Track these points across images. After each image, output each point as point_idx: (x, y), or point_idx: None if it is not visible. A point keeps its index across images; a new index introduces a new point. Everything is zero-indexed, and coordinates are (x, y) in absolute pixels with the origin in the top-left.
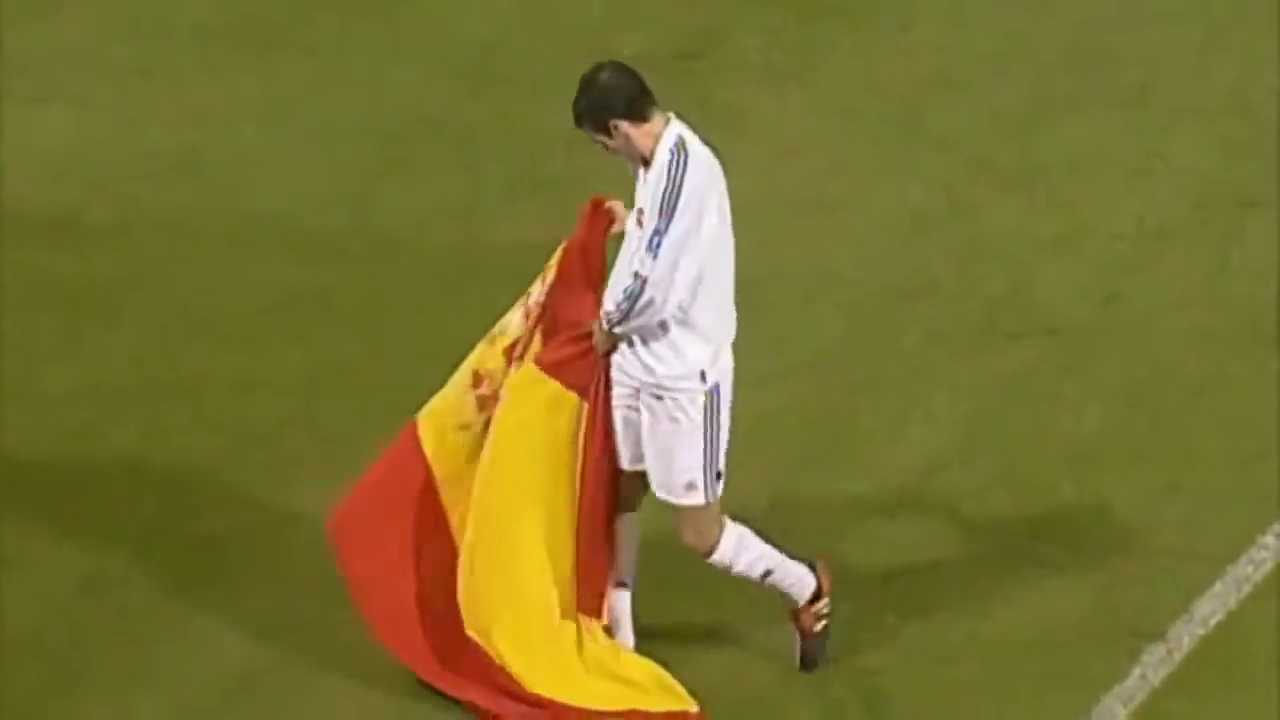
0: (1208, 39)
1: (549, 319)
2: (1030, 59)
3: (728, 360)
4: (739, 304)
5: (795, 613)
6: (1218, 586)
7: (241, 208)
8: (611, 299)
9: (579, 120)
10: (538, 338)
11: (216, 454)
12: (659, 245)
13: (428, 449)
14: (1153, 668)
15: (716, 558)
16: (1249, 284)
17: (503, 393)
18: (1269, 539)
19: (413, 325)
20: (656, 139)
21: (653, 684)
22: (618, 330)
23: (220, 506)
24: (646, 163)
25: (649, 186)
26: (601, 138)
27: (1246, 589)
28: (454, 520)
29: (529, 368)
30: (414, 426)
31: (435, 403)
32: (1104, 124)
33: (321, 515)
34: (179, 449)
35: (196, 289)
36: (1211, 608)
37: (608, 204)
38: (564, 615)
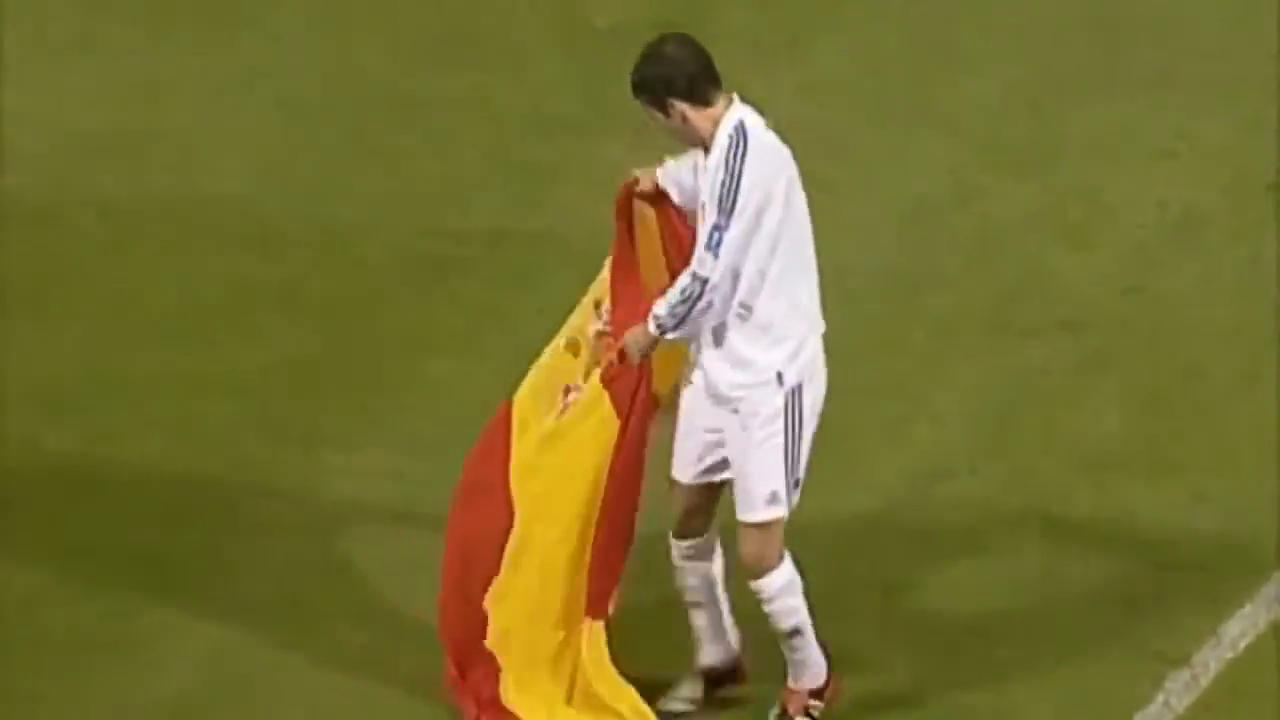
0: (1234, 11)
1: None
2: (1045, 33)
3: (810, 355)
4: None
5: (790, 691)
6: (1247, 607)
7: (191, 193)
8: (665, 302)
9: (637, 90)
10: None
11: (165, 460)
12: (719, 244)
13: (514, 432)
14: (1176, 694)
15: (765, 582)
16: None
17: (575, 402)
18: None
19: (378, 319)
20: (716, 123)
21: (629, 712)
22: (671, 336)
23: (169, 517)
24: (706, 148)
25: (708, 175)
26: (657, 114)
27: (1277, 610)
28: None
29: (594, 384)
30: (508, 406)
31: (527, 387)
32: (1125, 103)
33: (279, 528)
34: (123, 455)
35: (142, 280)
36: (1240, 629)
37: (636, 180)
38: (568, 636)
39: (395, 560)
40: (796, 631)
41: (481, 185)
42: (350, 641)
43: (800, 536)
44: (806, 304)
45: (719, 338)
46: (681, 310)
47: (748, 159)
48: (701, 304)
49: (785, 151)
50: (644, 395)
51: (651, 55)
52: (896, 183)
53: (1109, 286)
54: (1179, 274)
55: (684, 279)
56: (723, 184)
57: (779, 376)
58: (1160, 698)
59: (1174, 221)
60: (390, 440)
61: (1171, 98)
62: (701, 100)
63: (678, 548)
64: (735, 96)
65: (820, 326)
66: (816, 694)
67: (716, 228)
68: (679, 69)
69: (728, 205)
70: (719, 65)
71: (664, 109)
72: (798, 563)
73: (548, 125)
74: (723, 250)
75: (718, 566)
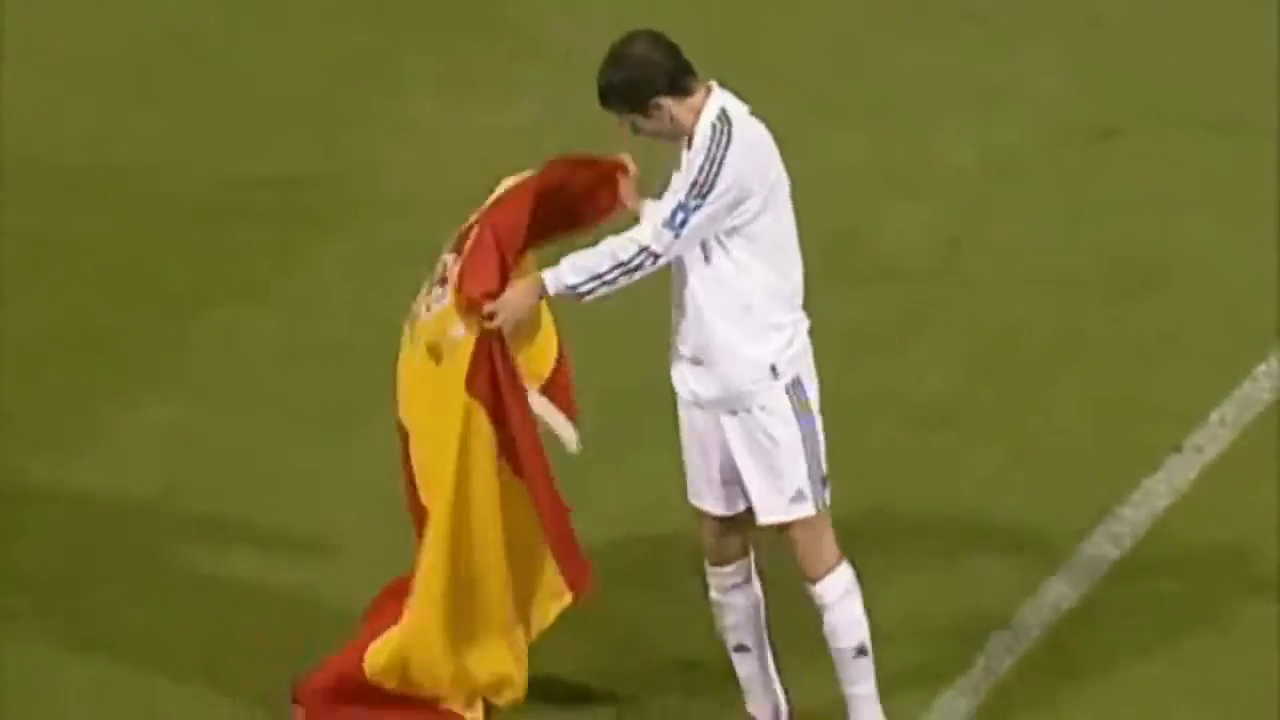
0: None
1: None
2: None
3: (801, 345)
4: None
5: None
6: (1071, 566)
7: None
8: (583, 265)
9: (607, 99)
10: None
11: None
12: (683, 224)
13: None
14: (998, 656)
15: (831, 580)
16: (1109, 225)
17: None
18: (1127, 511)
19: (165, 269)
20: (698, 113)
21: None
22: (579, 297)
23: None
24: (689, 141)
25: (688, 160)
26: (634, 118)
27: (1103, 569)
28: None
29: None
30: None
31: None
32: (948, 47)
33: (55, 496)
34: None
35: None
36: (1064, 590)
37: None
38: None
39: (180, 525)
40: (863, 651)
41: (275, 131)
42: (128, 620)
43: (620, 502)
44: (791, 294)
45: (701, 339)
46: (611, 277)
47: (732, 148)
48: (636, 275)
49: (770, 139)
50: (507, 377)
51: (621, 60)
52: None
53: (934, 236)
54: (1003, 224)
55: (626, 248)
56: (701, 168)
57: (773, 369)
58: (981, 660)
59: (999, 170)
60: (177, 395)
61: (995, 40)
62: (683, 91)
63: (717, 577)
64: (714, 84)
65: (805, 321)
66: None
67: (682, 206)
68: (656, 68)
69: (703, 188)
70: (522, 5)
71: (645, 112)
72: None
73: (345, 71)
74: (686, 231)
75: (759, 592)
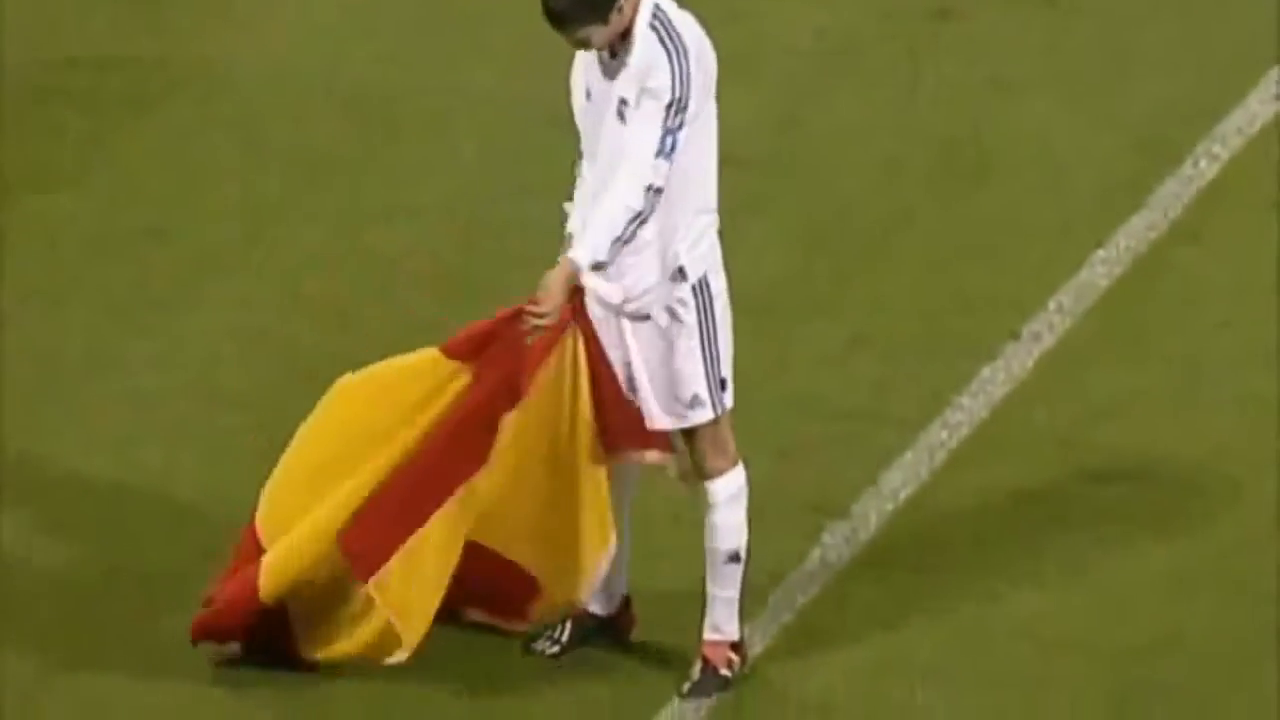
0: None
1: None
2: None
3: (711, 243)
4: (354, 132)
5: (712, 644)
6: (908, 455)
7: None
8: (599, 235)
9: (571, 17)
10: None
11: None
12: (673, 148)
13: None
14: (835, 548)
15: (724, 482)
16: (942, 107)
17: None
18: (964, 400)
19: None
20: (635, 9)
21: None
22: (604, 266)
23: None
24: (617, 45)
25: (634, 73)
26: (593, 30)
27: (940, 457)
28: None
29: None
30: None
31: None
32: None
33: None
34: None
35: None
36: (901, 479)
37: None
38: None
39: None
40: (736, 557)
41: (87, 9)
42: None
43: None
44: (712, 191)
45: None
46: (630, 231)
47: (690, 57)
48: (648, 215)
49: (702, 31)
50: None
51: None
52: (537, 10)
53: (767, 119)
54: (836, 106)
55: (634, 196)
56: (673, 88)
57: (681, 270)
58: (817, 552)
59: (831, 50)
60: None
61: None
62: None
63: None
64: None
65: (715, 220)
66: (736, 648)
67: (669, 131)
68: None
69: (681, 105)
70: None
71: (607, 18)
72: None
73: None
74: (675, 153)
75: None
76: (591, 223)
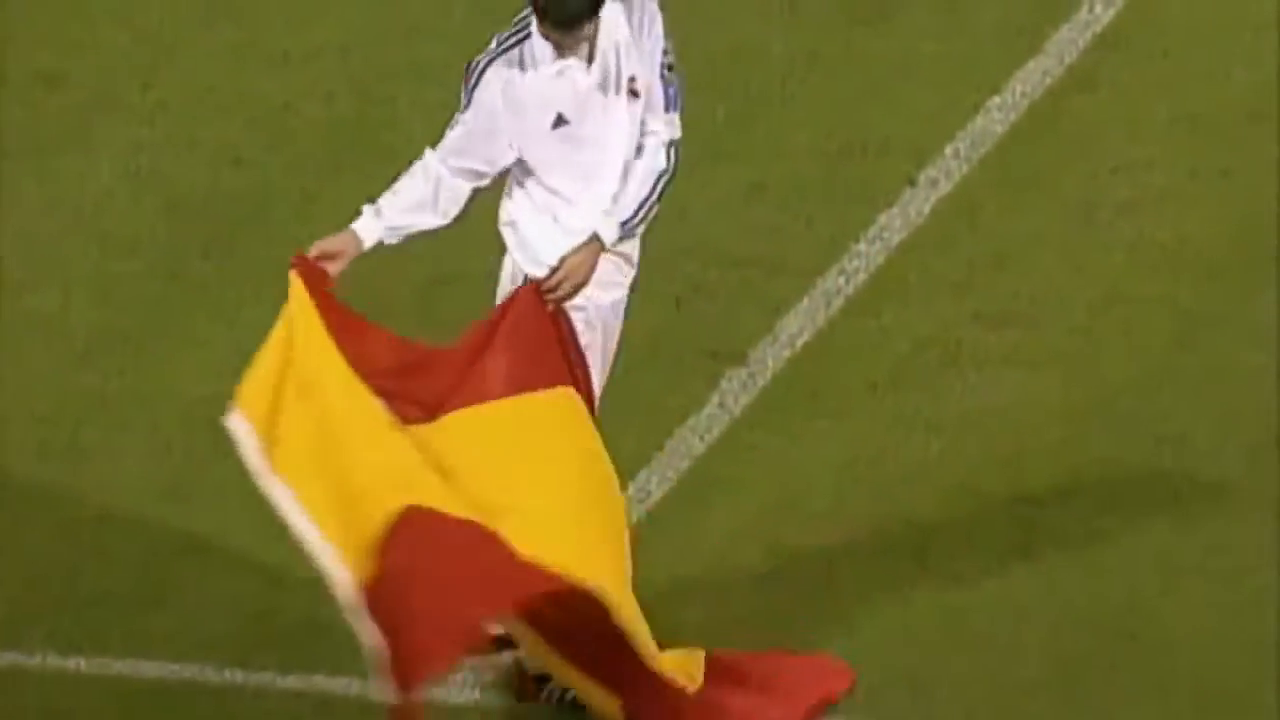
0: None
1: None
2: None
3: None
4: None
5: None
6: (805, 301)
7: None
8: (626, 203)
9: (581, 19)
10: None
11: None
12: (676, 97)
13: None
14: (733, 394)
15: None
16: None
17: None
18: (861, 246)
19: None
20: None
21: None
22: (633, 233)
23: None
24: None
25: (626, 45)
26: (591, 23)
27: (837, 303)
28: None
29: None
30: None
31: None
32: None
33: None
34: None
35: None
36: (798, 325)
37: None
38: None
39: None
40: None
41: None
42: None
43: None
44: None
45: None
46: (658, 193)
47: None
48: (673, 175)
49: None
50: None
51: None
52: None
53: None
54: None
55: (659, 156)
56: (664, 48)
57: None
58: (715, 398)
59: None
60: None
61: None
62: None
63: None
64: None
65: None
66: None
67: (671, 85)
68: None
69: (669, 57)
70: None
71: (597, 10)
72: None
73: None
74: (680, 103)
75: None
76: (623, 191)
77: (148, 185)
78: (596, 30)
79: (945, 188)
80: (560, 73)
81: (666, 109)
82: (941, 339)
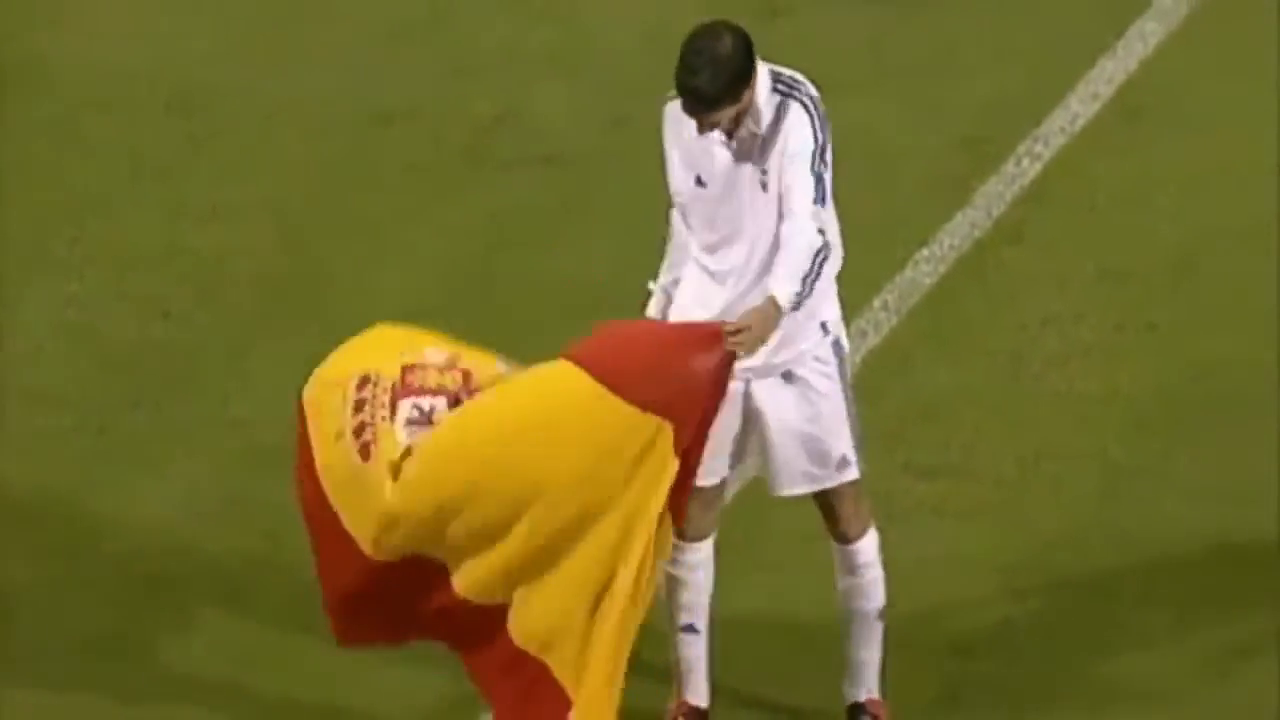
0: None
1: None
2: None
3: (839, 304)
4: (178, 130)
5: (877, 703)
6: None
7: None
8: (791, 276)
9: (718, 103)
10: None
11: None
12: (826, 193)
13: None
14: None
15: (868, 540)
16: None
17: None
18: None
19: None
20: (756, 83)
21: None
22: (796, 307)
23: None
24: (742, 114)
25: (771, 143)
26: (730, 108)
27: None
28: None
29: (574, 372)
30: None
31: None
32: None
33: None
34: None
35: None
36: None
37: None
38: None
39: None
40: (883, 614)
41: None
42: None
43: (254, 390)
44: (839, 256)
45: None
46: (815, 272)
47: (819, 101)
48: (824, 257)
49: None
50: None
51: (709, 56)
52: (366, 7)
53: (592, 118)
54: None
55: (804, 240)
56: (814, 136)
57: (824, 326)
58: None
59: (661, 49)
60: None
61: None
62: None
63: (690, 553)
64: None
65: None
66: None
67: (820, 179)
68: (741, 50)
69: (823, 149)
70: None
71: (740, 96)
72: None
73: None
74: (829, 199)
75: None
76: (782, 269)
77: (78, 339)
78: (744, 110)
79: (874, 340)
80: (704, 136)
81: (815, 200)
82: (872, 490)
